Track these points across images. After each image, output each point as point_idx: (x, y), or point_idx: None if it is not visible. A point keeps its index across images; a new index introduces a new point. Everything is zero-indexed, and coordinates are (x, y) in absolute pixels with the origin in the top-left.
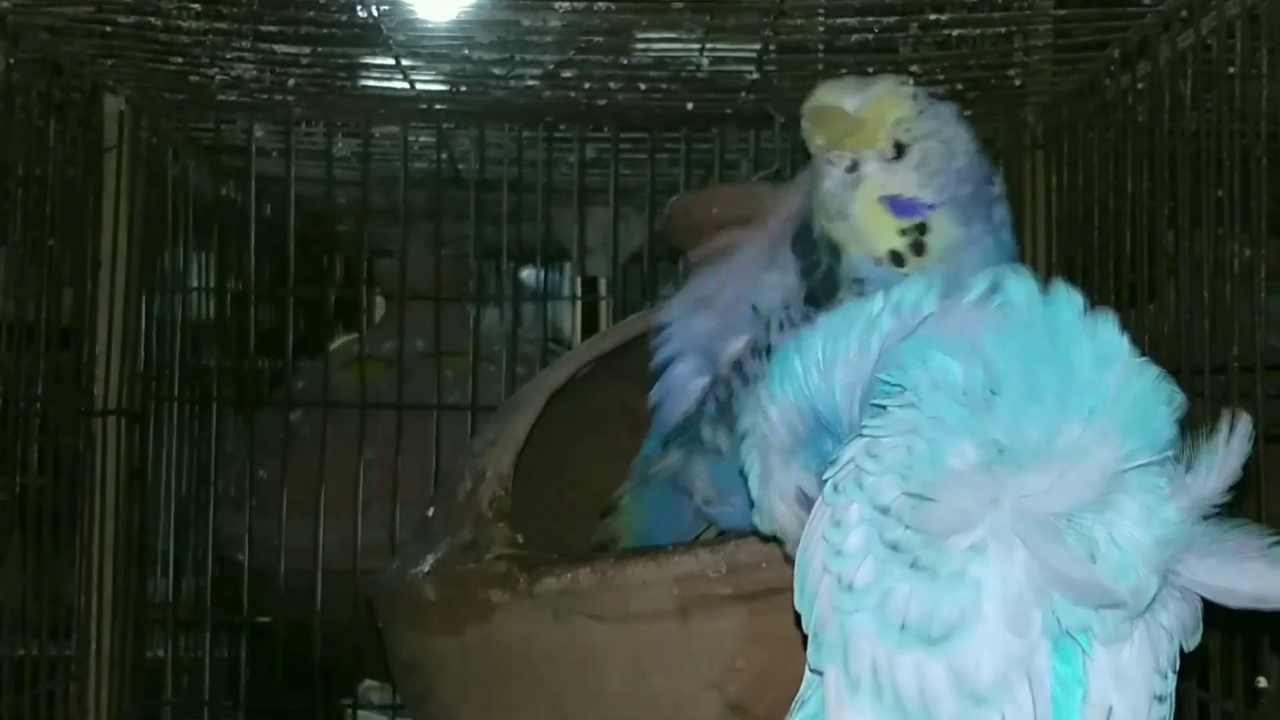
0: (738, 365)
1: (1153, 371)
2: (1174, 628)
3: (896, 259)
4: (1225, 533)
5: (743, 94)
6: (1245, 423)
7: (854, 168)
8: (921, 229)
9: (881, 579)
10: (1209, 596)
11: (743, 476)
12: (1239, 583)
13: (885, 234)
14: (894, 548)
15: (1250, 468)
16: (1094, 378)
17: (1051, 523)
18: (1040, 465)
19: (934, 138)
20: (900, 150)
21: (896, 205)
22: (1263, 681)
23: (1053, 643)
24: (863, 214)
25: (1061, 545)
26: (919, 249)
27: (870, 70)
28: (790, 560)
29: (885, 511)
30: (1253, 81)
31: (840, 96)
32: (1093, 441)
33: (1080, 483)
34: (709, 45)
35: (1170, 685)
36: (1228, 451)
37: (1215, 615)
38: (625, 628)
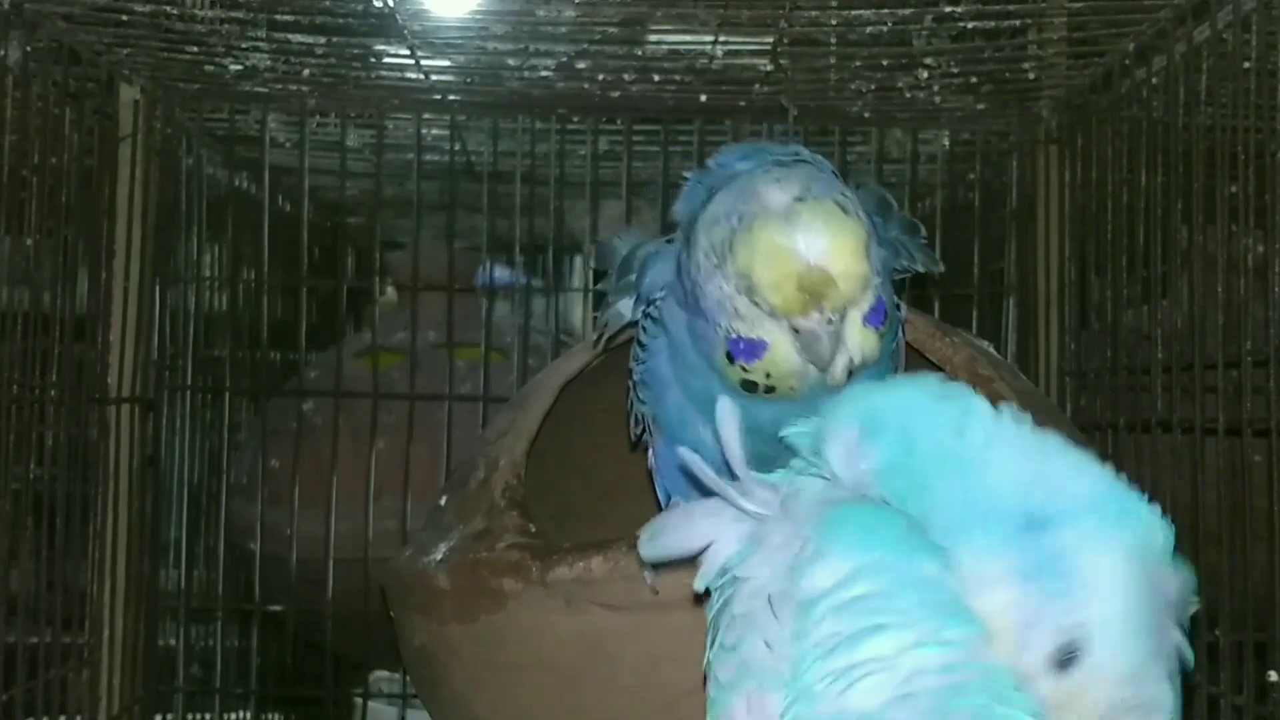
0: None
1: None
2: None
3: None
4: None
5: (756, 86)
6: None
7: (841, 316)
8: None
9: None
10: None
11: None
12: None
13: (869, 345)
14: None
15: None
16: None
17: None
18: None
19: (874, 243)
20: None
21: (874, 316)
22: (1273, 676)
23: None
24: (858, 344)
25: None
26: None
27: (884, 63)
28: None
29: None
30: (1268, 76)
31: (835, 263)
32: None
33: None
34: (723, 37)
35: None
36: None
37: (1226, 610)
38: (638, 616)
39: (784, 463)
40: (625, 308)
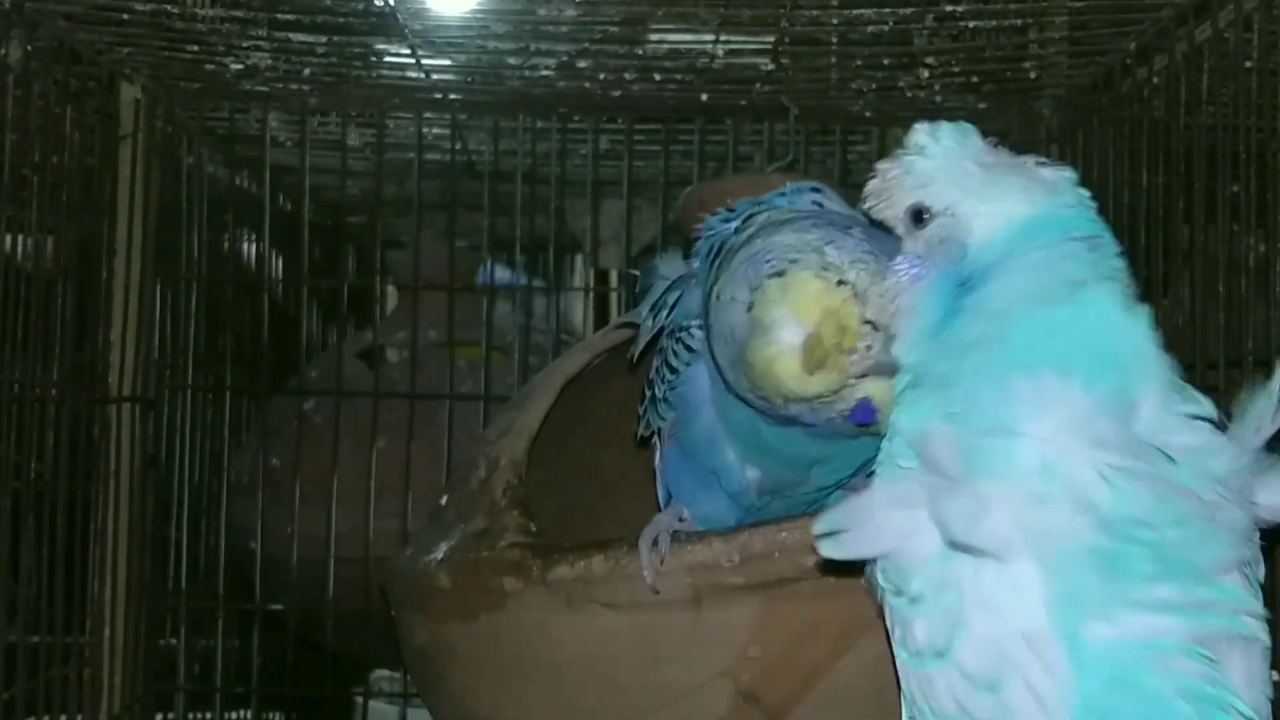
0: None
1: (1101, 311)
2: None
3: None
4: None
5: (757, 86)
6: None
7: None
8: None
9: (894, 615)
10: (1270, 516)
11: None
12: None
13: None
14: (889, 586)
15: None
16: (1036, 342)
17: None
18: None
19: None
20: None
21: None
22: (1275, 675)
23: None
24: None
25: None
26: None
27: (885, 62)
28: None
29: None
30: (1270, 75)
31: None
32: (1039, 389)
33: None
34: (724, 37)
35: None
36: (1275, 405)
37: None
38: (638, 616)
39: (801, 483)
40: (653, 322)
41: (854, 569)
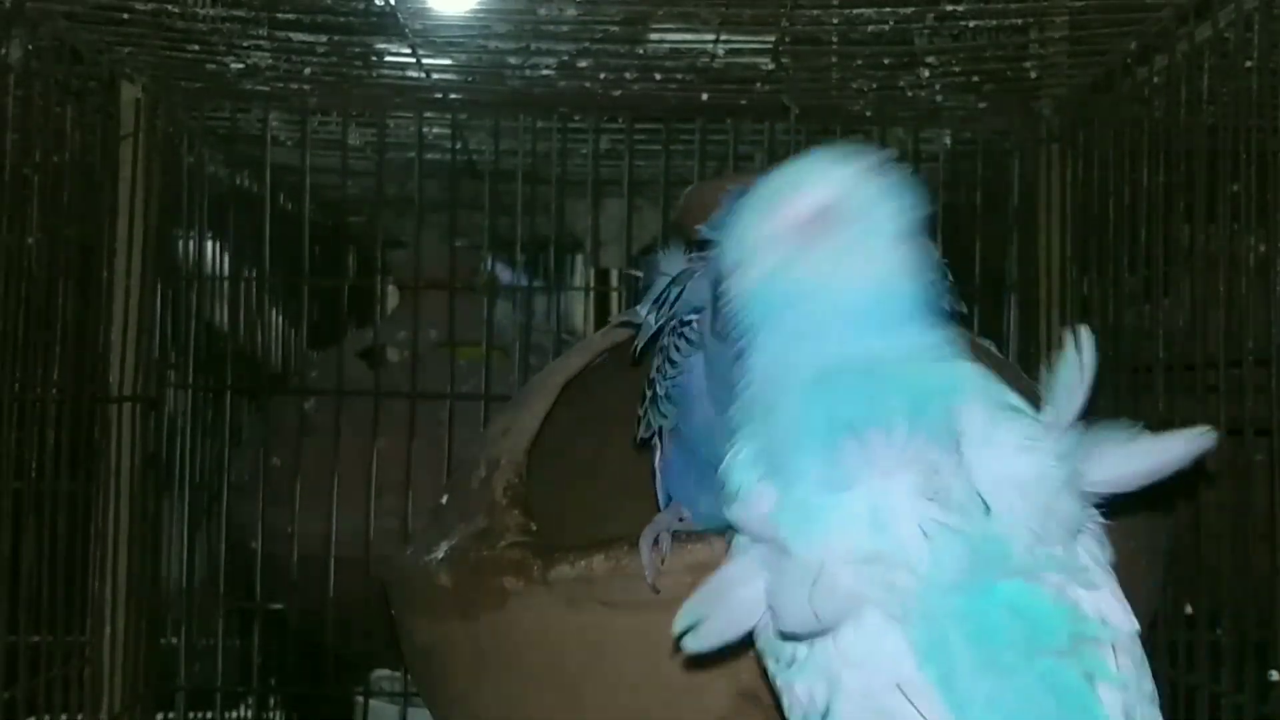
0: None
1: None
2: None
3: None
4: (1100, 435)
5: (758, 85)
6: (1086, 336)
7: None
8: None
9: (776, 682)
10: (1109, 489)
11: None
12: (1128, 466)
13: None
14: (769, 653)
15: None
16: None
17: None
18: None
19: None
20: None
21: None
22: (1275, 675)
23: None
24: None
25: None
26: None
27: (886, 62)
28: None
29: None
30: (1270, 75)
31: None
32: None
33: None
34: (724, 36)
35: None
36: (1079, 371)
37: (1228, 609)
38: (639, 615)
39: None
40: (655, 319)
41: None
